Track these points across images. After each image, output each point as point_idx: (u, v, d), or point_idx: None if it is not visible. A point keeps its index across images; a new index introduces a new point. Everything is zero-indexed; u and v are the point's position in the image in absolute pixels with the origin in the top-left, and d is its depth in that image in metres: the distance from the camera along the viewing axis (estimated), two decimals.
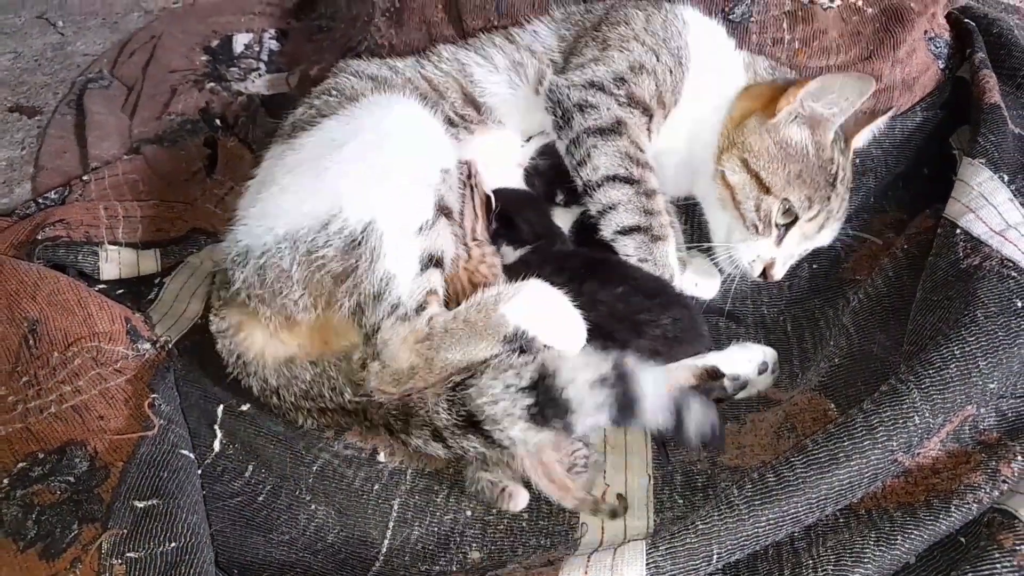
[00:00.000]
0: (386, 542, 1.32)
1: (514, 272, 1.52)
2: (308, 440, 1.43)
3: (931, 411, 1.17)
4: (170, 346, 1.56)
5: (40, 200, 2.01)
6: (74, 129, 2.40)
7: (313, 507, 1.36)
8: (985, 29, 1.93)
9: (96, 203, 1.91)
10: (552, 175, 1.74)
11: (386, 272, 1.36)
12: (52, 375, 1.39)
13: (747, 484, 1.17)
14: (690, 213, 1.84)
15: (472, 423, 1.26)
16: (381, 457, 1.43)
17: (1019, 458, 1.16)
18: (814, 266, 1.77)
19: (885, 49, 1.82)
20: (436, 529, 1.33)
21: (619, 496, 1.33)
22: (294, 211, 1.41)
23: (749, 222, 1.60)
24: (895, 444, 1.16)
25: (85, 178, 2.08)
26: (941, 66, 1.91)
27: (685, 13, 1.78)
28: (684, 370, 1.44)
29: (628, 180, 1.60)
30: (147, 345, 1.52)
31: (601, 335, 1.37)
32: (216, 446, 1.43)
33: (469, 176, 1.63)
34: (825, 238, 1.66)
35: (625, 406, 1.22)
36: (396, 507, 1.36)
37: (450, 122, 1.75)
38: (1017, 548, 1.07)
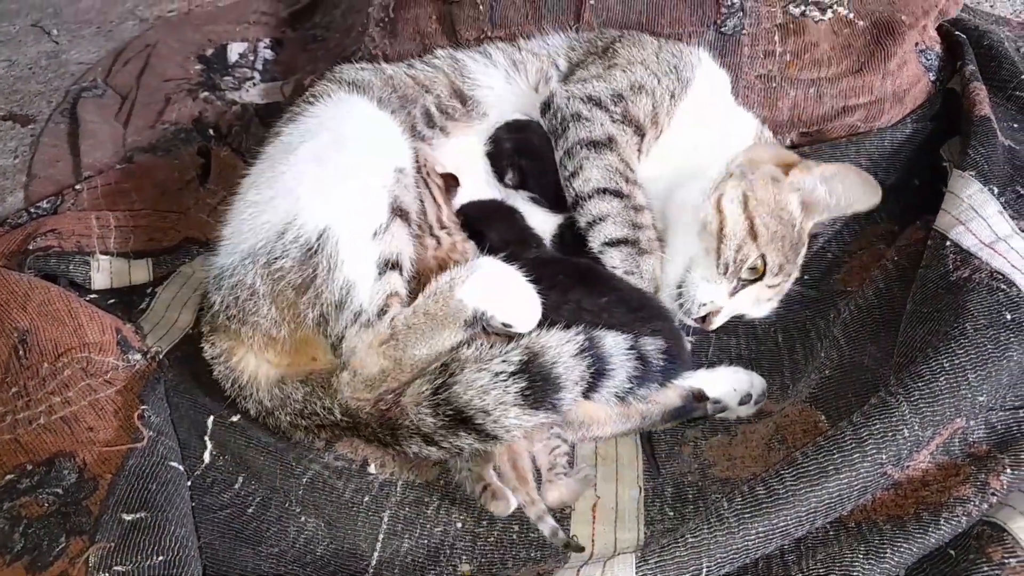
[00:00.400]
0: (376, 554, 1.31)
1: None
2: (299, 451, 1.43)
3: (920, 424, 1.17)
4: (161, 356, 1.56)
5: (32, 209, 2.01)
6: (67, 138, 2.40)
7: (303, 519, 1.35)
8: (976, 41, 1.95)
9: (88, 213, 1.92)
10: (511, 152, 1.74)
11: (345, 280, 1.36)
12: (42, 386, 1.39)
13: (737, 497, 1.17)
14: None
15: (461, 420, 1.26)
16: (372, 469, 1.42)
17: (1008, 471, 1.17)
18: (805, 277, 1.77)
19: (876, 61, 1.84)
20: (426, 541, 1.32)
21: (574, 539, 1.30)
22: (255, 224, 1.41)
23: (724, 260, 1.54)
24: (885, 457, 1.16)
25: (78, 187, 2.09)
26: (932, 78, 1.92)
27: (701, 52, 1.79)
28: (671, 390, 1.46)
29: (618, 194, 1.61)
30: (137, 356, 1.51)
31: None
32: (206, 457, 1.42)
33: (421, 166, 1.61)
34: (763, 310, 1.63)
35: (598, 373, 1.29)
36: (386, 519, 1.36)
37: (427, 121, 1.75)
38: (1006, 561, 1.08)
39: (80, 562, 1.13)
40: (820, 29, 1.86)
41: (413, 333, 1.33)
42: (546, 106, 1.74)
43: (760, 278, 1.57)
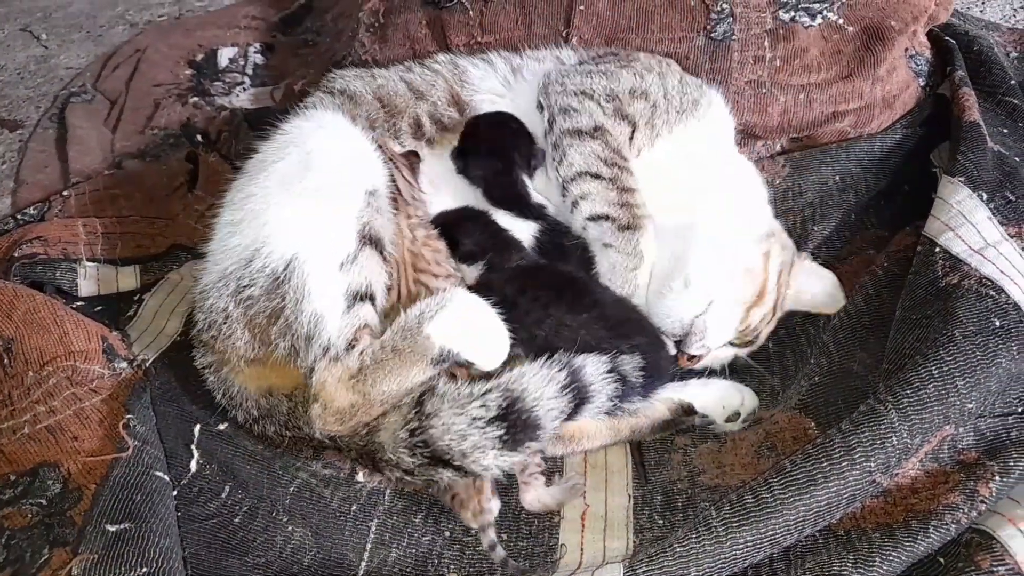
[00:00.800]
0: (363, 564, 1.30)
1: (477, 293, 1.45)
2: (286, 460, 1.41)
3: (909, 431, 1.17)
4: (147, 364, 1.54)
5: (19, 216, 2.00)
6: (56, 143, 2.39)
7: (290, 529, 1.34)
8: (966, 47, 1.95)
9: (75, 219, 1.90)
10: (472, 145, 1.70)
11: (314, 312, 1.32)
12: (26, 395, 1.37)
13: (725, 505, 1.16)
14: None
15: (440, 461, 1.24)
16: (360, 477, 1.41)
17: (997, 478, 1.16)
18: None
19: (866, 67, 1.84)
20: (414, 551, 1.31)
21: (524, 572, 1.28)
22: (228, 245, 1.39)
23: (750, 321, 1.54)
24: (873, 465, 1.15)
25: (65, 193, 2.08)
26: (921, 84, 1.92)
27: (715, 94, 1.79)
28: (660, 403, 1.46)
29: (598, 176, 1.59)
30: (124, 364, 1.50)
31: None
32: (193, 466, 1.40)
33: (383, 152, 1.57)
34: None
35: (580, 401, 1.28)
36: (374, 528, 1.35)
37: (415, 131, 1.73)
38: (995, 569, 1.07)
39: (63, 574, 1.12)
40: (810, 35, 1.86)
41: (381, 369, 1.29)
42: (542, 94, 1.72)
43: (747, 344, 1.57)
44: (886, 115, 1.86)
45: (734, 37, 1.85)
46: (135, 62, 2.73)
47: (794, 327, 1.69)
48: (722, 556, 1.12)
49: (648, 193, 1.64)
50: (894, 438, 1.16)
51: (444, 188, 1.71)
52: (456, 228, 1.61)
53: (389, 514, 1.36)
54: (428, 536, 1.33)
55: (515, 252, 1.58)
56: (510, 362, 1.34)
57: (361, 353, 1.31)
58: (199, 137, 2.34)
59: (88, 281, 1.78)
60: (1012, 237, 1.43)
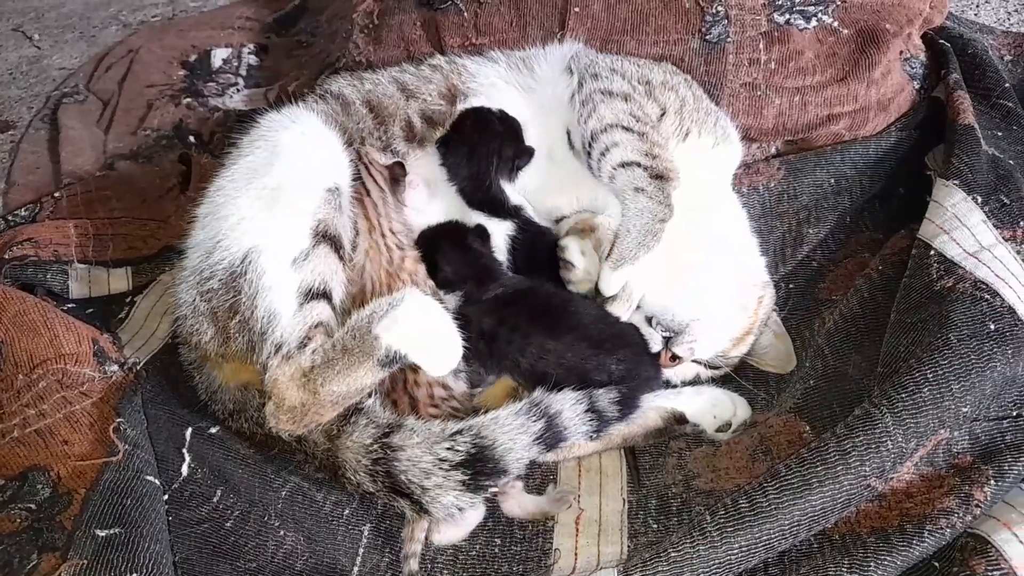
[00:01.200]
0: (356, 569, 1.30)
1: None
2: (277, 464, 1.41)
3: (904, 436, 1.17)
4: (138, 367, 1.53)
5: (10, 217, 1.98)
6: (48, 144, 2.37)
7: (282, 533, 1.33)
8: (960, 50, 1.95)
9: (66, 221, 1.89)
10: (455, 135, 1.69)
11: (268, 308, 1.31)
12: (16, 398, 1.36)
13: (719, 510, 1.16)
14: None
15: (398, 491, 1.24)
16: None
17: (992, 482, 1.16)
18: (791, 286, 1.77)
19: (860, 70, 1.83)
20: None
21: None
22: (196, 240, 1.42)
23: (734, 355, 1.55)
24: (868, 469, 1.15)
25: (57, 194, 2.06)
26: (916, 86, 1.92)
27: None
28: (653, 411, 1.45)
29: (628, 129, 1.55)
30: (114, 367, 1.49)
31: (549, 384, 1.33)
32: (184, 470, 1.39)
33: (360, 157, 1.57)
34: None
35: (555, 440, 1.28)
36: (367, 532, 1.34)
37: (407, 134, 1.71)
38: (990, 573, 1.07)
39: None
40: (805, 37, 1.86)
41: (331, 368, 1.27)
42: (574, 61, 1.71)
43: (714, 368, 1.56)
44: (881, 118, 1.86)
45: (729, 40, 1.85)
46: (128, 63, 2.71)
47: (789, 330, 1.68)
48: (717, 560, 1.11)
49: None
50: (889, 442, 1.16)
51: (438, 191, 1.70)
52: (437, 251, 1.59)
53: (382, 517, 1.36)
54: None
55: (493, 282, 1.55)
56: (482, 385, 1.39)
57: (313, 352, 1.30)
58: (192, 138, 2.33)
59: (79, 283, 1.77)
60: (1007, 240, 1.43)
